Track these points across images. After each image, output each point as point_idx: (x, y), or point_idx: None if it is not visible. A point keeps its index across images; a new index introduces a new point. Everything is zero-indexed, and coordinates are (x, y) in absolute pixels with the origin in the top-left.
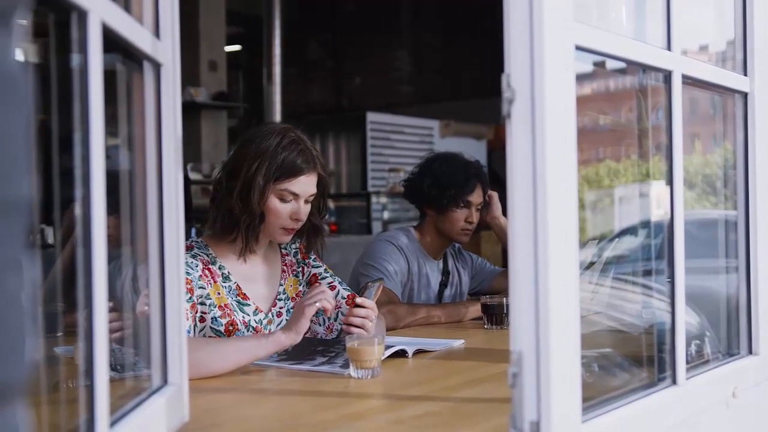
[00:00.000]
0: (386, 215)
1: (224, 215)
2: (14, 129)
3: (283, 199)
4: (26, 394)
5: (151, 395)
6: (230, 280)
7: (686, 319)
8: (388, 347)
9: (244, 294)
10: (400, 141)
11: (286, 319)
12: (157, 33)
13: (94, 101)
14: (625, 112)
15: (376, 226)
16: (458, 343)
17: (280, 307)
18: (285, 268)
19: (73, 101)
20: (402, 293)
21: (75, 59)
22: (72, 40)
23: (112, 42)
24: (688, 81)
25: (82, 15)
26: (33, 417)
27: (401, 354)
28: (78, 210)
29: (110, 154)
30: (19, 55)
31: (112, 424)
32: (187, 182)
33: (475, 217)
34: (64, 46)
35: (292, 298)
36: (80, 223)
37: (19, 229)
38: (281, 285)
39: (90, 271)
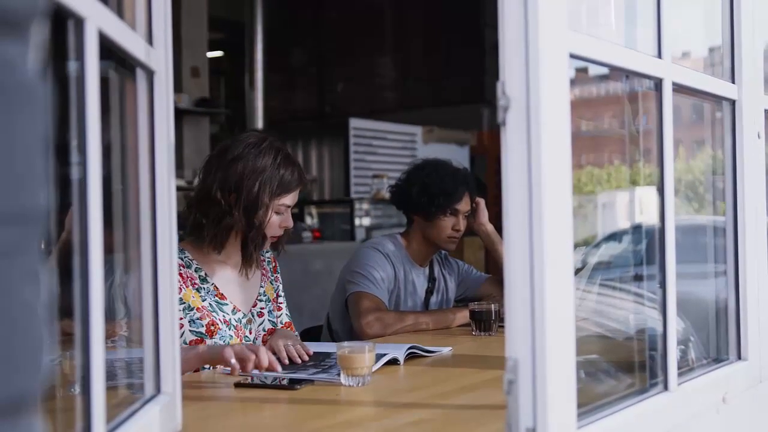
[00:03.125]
0: (369, 221)
1: (225, 231)
2: (32, 139)
3: (278, 213)
4: (45, 401)
5: (144, 404)
6: (208, 282)
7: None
8: (379, 356)
9: (222, 294)
10: (383, 147)
11: (269, 320)
12: (150, 40)
13: (90, 108)
14: (608, 118)
15: (360, 233)
16: (447, 351)
17: (261, 308)
18: (264, 271)
19: (68, 108)
20: (388, 300)
21: (71, 66)
22: (68, 46)
23: (106, 49)
24: (678, 88)
25: (79, 22)
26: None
27: (392, 361)
28: (75, 217)
29: (102, 161)
30: (35, 65)
31: None
32: None
33: (462, 224)
34: (60, 53)
35: (272, 300)
36: (76, 231)
37: (36, 240)
38: (261, 287)
39: (87, 280)
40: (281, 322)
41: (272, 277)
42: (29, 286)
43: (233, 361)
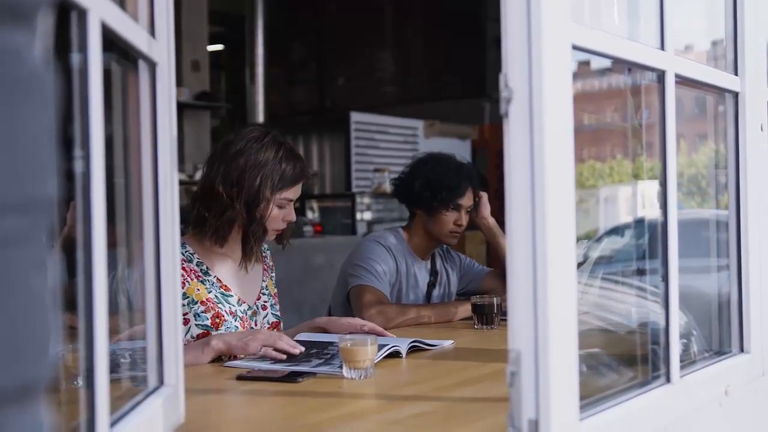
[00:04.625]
0: (371, 216)
1: (226, 224)
2: (40, 128)
3: (280, 207)
4: (49, 393)
5: (147, 396)
6: (210, 275)
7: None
8: (381, 347)
9: (226, 286)
10: (385, 141)
11: (272, 313)
12: (152, 32)
13: (93, 100)
14: (610, 111)
15: (361, 227)
16: (449, 344)
17: (264, 301)
18: (265, 267)
19: (71, 100)
20: (390, 294)
21: (74, 58)
22: (71, 38)
23: (109, 41)
24: (681, 80)
25: (82, 13)
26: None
27: (394, 354)
28: (78, 210)
29: (104, 154)
30: (43, 53)
31: (112, 424)
32: None
33: (465, 219)
34: (63, 45)
35: (273, 295)
36: (79, 224)
37: (44, 229)
38: (263, 281)
39: (90, 273)
40: (267, 322)
41: (271, 274)
42: (37, 275)
43: (262, 350)
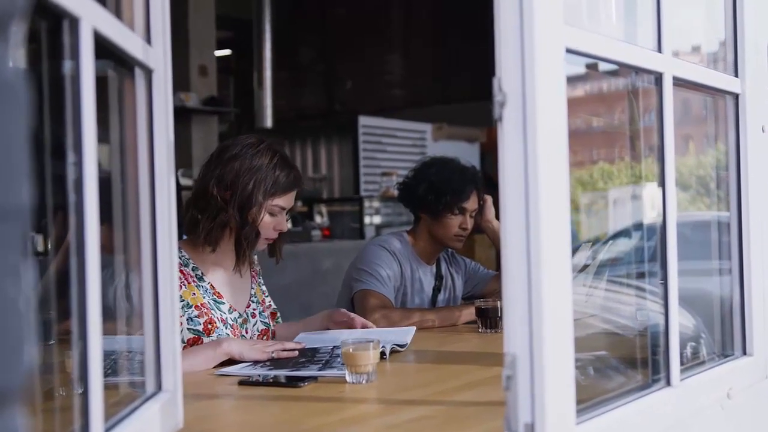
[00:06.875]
0: (379, 219)
1: (219, 227)
2: (13, 136)
3: (272, 214)
4: (25, 400)
5: (145, 401)
6: (204, 281)
7: (682, 322)
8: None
9: (219, 293)
10: (393, 145)
11: (261, 321)
12: (148, 39)
13: (86, 108)
14: (618, 114)
15: (369, 231)
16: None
17: (253, 309)
18: (254, 274)
19: (64, 108)
20: (395, 298)
21: (66, 65)
22: (63, 46)
23: (103, 48)
24: (679, 83)
25: (74, 22)
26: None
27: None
28: (71, 217)
29: (101, 161)
30: (16, 62)
31: (107, 430)
32: (178, 188)
33: (469, 223)
34: (56, 53)
35: (261, 302)
36: (73, 231)
37: (18, 236)
38: (252, 288)
39: (84, 279)
40: (257, 330)
41: (259, 280)
42: (11, 281)
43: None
